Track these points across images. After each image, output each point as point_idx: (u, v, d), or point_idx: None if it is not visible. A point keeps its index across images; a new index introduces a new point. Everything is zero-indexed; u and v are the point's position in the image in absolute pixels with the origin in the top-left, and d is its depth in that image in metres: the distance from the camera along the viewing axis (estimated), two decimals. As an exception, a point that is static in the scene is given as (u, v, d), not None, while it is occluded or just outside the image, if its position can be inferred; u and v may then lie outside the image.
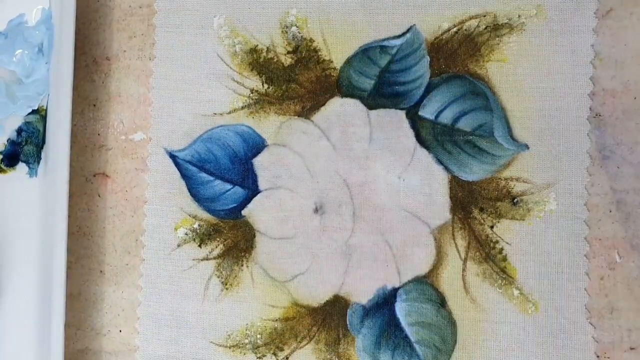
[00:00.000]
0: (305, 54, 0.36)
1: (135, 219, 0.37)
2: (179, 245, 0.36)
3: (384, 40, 0.35)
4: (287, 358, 0.35)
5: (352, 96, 0.35)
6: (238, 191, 0.36)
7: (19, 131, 0.37)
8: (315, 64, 0.36)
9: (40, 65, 0.37)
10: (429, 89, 0.35)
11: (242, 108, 0.36)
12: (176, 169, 0.36)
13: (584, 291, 0.33)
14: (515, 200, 0.34)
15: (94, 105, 0.38)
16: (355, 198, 0.35)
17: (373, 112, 0.35)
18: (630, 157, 0.34)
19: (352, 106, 0.35)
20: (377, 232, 0.35)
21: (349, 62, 0.35)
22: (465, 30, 0.35)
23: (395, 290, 0.34)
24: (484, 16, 0.34)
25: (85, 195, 0.37)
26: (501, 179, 0.34)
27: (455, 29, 0.35)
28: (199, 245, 0.36)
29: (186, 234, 0.36)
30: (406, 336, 0.34)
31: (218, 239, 0.36)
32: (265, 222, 0.36)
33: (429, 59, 0.35)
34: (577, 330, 0.33)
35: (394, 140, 0.35)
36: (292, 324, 0.35)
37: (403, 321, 0.34)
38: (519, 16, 0.34)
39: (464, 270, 0.34)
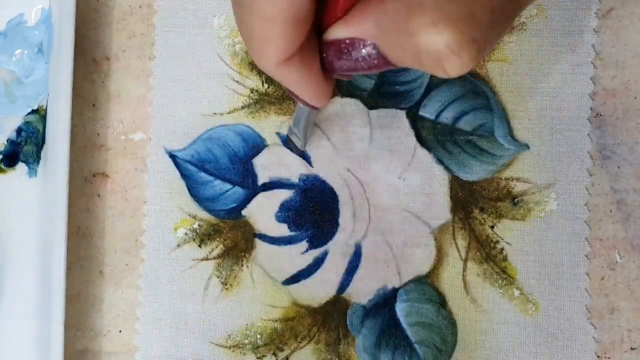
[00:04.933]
0: (305, 53, 0.36)
1: (135, 219, 0.37)
2: (178, 246, 0.36)
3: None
4: (287, 358, 0.35)
5: (352, 96, 0.35)
6: (238, 191, 0.36)
7: (19, 131, 0.37)
8: (315, 63, 0.35)
9: (40, 65, 0.37)
10: (430, 89, 0.35)
11: (242, 108, 0.36)
12: (176, 169, 0.36)
13: (585, 291, 0.33)
14: (516, 200, 0.34)
15: (94, 105, 0.38)
16: (355, 198, 0.35)
17: (373, 112, 0.35)
18: (630, 157, 0.34)
19: (352, 106, 0.35)
20: (378, 232, 0.35)
21: (349, 61, 0.35)
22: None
23: (395, 291, 0.34)
24: (485, 16, 0.34)
25: (85, 195, 0.37)
26: (502, 179, 0.34)
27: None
28: (199, 246, 0.36)
29: (186, 234, 0.36)
30: (406, 336, 0.34)
31: (218, 239, 0.36)
32: (265, 222, 0.36)
33: (429, 59, 0.35)
34: (578, 331, 0.33)
35: (394, 140, 0.35)
36: (292, 324, 0.35)
37: (403, 321, 0.34)
38: (520, 15, 0.34)
39: (464, 270, 0.34)
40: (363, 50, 0.22)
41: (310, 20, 0.23)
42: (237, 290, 0.35)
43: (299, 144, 0.34)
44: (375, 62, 0.23)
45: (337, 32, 0.23)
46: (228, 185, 0.36)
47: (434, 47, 0.20)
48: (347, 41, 0.23)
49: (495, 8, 0.20)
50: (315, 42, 0.24)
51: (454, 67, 0.20)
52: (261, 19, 0.22)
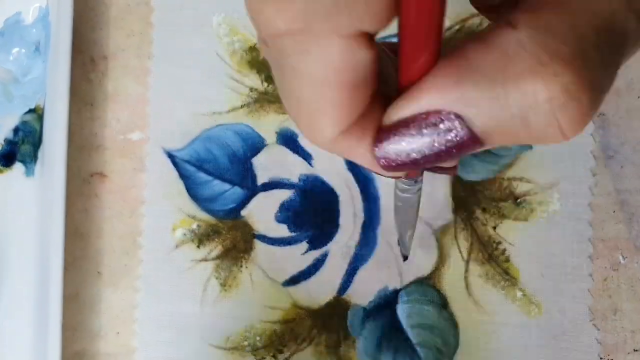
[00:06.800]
0: (305, 52, 0.35)
1: (133, 219, 0.36)
2: (177, 246, 0.36)
3: (385, 38, 0.35)
4: (287, 360, 0.35)
5: (352, 95, 0.35)
6: (237, 191, 0.36)
7: (16, 130, 0.37)
8: (315, 62, 0.35)
9: (37, 63, 0.37)
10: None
11: (241, 107, 0.36)
12: (174, 169, 0.36)
13: (588, 292, 0.33)
14: (518, 200, 0.34)
15: (91, 104, 0.37)
16: (355, 198, 0.35)
17: (374, 111, 0.35)
18: (633, 157, 0.33)
19: (352, 105, 0.35)
20: (379, 233, 0.34)
21: (349, 60, 0.35)
22: (468, 28, 0.34)
23: (396, 292, 0.34)
24: (487, 14, 0.34)
25: (83, 195, 0.37)
26: (504, 179, 0.34)
27: (457, 27, 0.34)
28: (198, 246, 0.36)
29: (185, 234, 0.36)
30: (407, 338, 0.34)
31: (217, 240, 0.36)
32: (265, 222, 0.35)
33: (430, 58, 0.34)
34: (581, 332, 0.33)
35: (395, 140, 0.34)
36: (291, 326, 0.35)
37: (404, 323, 0.34)
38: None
39: (466, 271, 0.34)
40: (441, 125, 0.17)
41: (374, 82, 0.17)
42: (236, 292, 0.35)
43: (404, 251, 0.33)
44: (458, 139, 0.17)
45: (403, 109, 0.17)
46: (227, 185, 0.36)
47: (547, 94, 0.16)
48: (417, 117, 0.17)
49: (601, 45, 0.16)
50: (383, 108, 0.18)
51: (572, 118, 0.16)
52: (310, 84, 0.17)
